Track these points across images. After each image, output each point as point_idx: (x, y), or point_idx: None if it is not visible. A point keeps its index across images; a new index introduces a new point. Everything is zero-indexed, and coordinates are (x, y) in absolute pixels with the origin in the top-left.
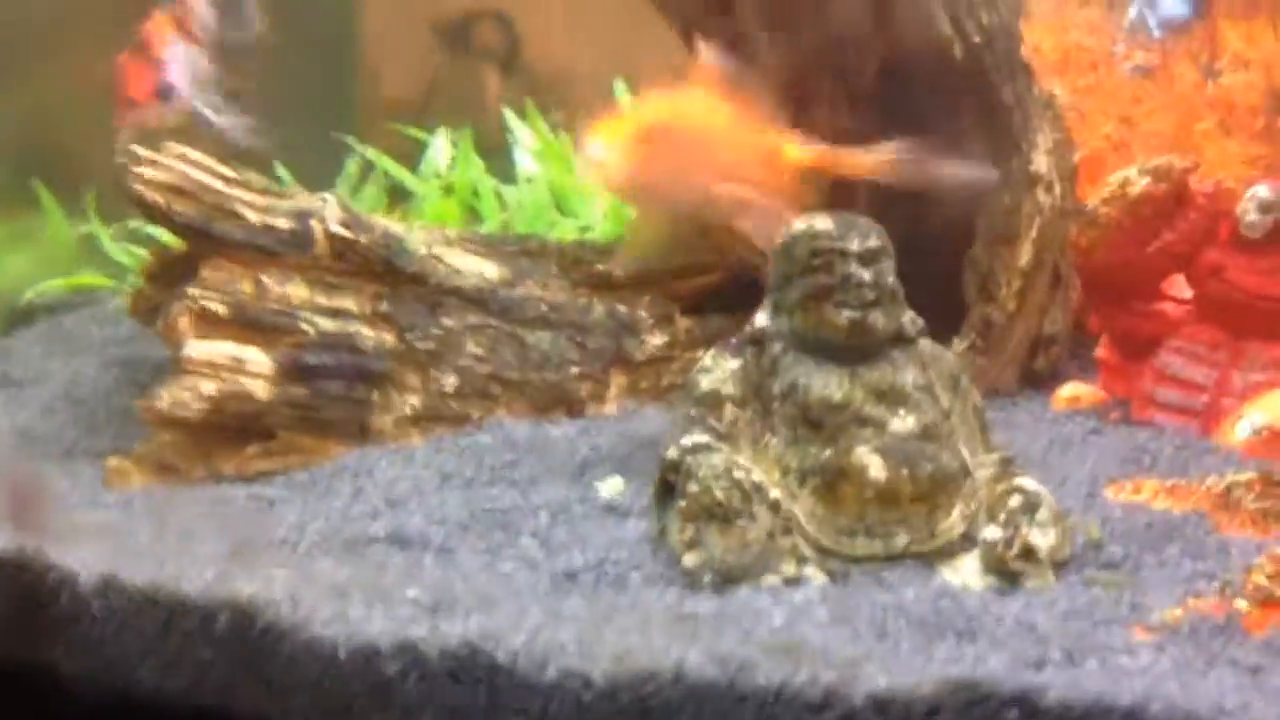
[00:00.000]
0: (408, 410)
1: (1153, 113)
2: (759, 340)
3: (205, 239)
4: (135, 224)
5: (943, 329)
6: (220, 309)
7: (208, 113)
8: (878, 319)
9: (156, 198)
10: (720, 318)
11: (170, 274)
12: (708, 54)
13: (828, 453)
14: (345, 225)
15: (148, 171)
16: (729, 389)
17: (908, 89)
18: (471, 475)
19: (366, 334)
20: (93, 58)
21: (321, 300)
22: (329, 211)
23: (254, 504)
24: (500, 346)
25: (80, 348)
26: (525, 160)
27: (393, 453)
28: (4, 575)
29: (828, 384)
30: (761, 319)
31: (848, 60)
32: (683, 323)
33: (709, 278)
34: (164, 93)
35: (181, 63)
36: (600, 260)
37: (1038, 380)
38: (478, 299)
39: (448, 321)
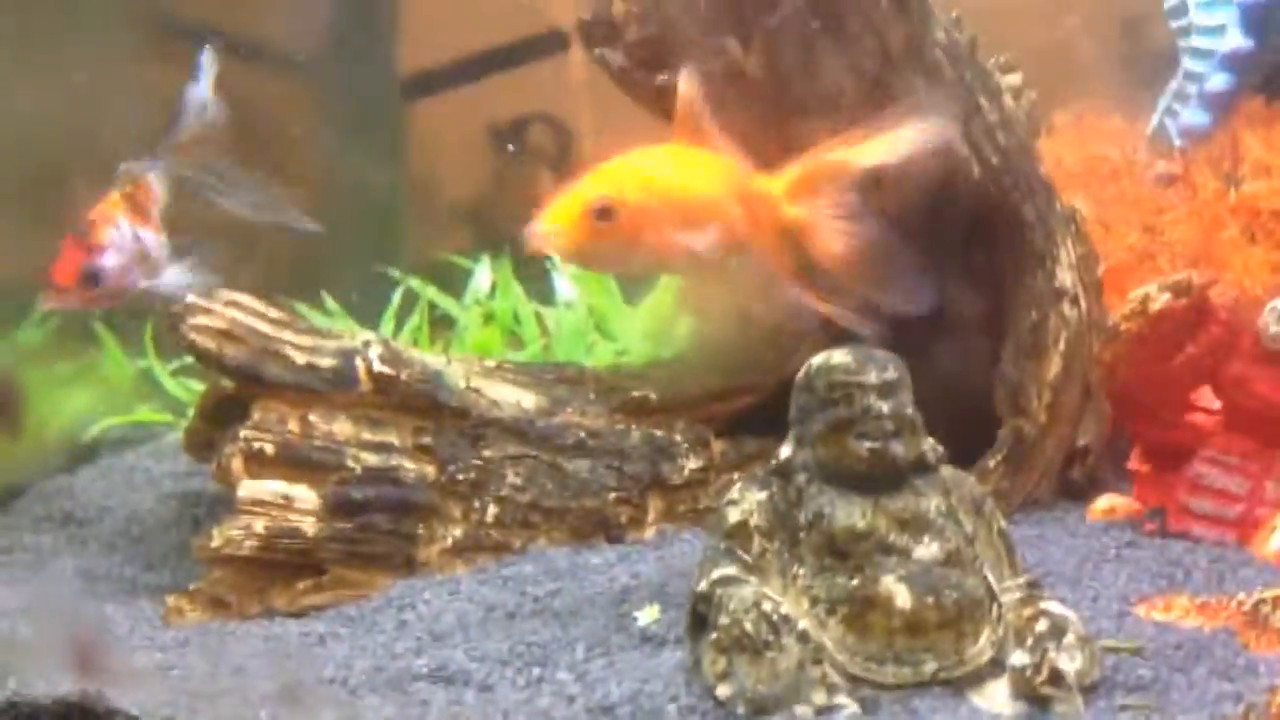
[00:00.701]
0: (450, 541)
1: (1177, 222)
2: (784, 472)
3: (255, 380)
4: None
5: (975, 446)
6: (269, 448)
7: (154, 283)
8: (898, 449)
9: (208, 344)
10: (754, 440)
11: (223, 411)
12: (687, 85)
13: (854, 582)
14: (387, 362)
15: (200, 319)
16: (756, 520)
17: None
18: (513, 608)
19: (409, 467)
20: None
21: (366, 435)
22: (372, 350)
23: (304, 640)
24: (539, 475)
25: (139, 484)
26: (563, 285)
27: (437, 584)
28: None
29: (851, 513)
30: (786, 450)
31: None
32: (717, 446)
33: (743, 401)
34: (89, 277)
35: (120, 248)
36: (636, 386)
37: (1075, 490)
38: (516, 429)
39: (488, 452)
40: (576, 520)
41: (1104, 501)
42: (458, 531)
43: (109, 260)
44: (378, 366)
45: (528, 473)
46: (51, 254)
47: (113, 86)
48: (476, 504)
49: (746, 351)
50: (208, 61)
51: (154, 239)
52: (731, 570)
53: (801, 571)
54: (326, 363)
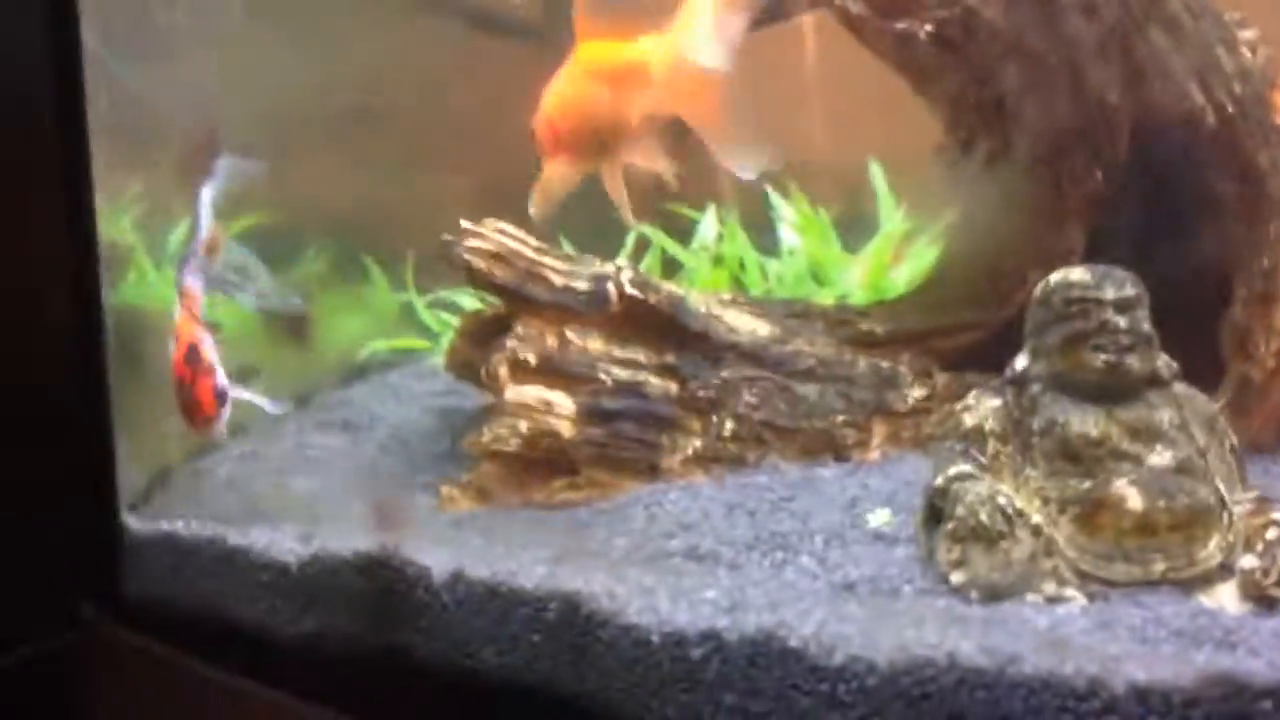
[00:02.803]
0: (691, 451)
1: None
2: (1019, 382)
3: (518, 299)
4: (445, 294)
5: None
6: (531, 359)
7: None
8: (1133, 362)
9: (480, 264)
10: (976, 374)
11: (481, 334)
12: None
13: (1086, 484)
14: (637, 286)
15: (473, 242)
16: (991, 425)
17: (1161, 156)
18: (753, 507)
19: (655, 382)
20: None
21: (616, 352)
22: (624, 275)
23: (567, 525)
24: (772, 397)
25: (405, 399)
26: (787, 234)
27: (680, 488)
28: (370, 571)
29: (1085, 421)
30: (1021, 362)
31: (1099, 129)
32: (940, 378)
33: (968, 336)
34: (222, 398)
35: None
36: (863, 321)
37: None
38: (752, 353)
39: (725, 373)
40: (806, 439)
41: None
42: (698, 443)
43: (222, 377)
44: (629, 290)
45: (762, 394)
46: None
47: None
48: (714, 419)
49: (970, 290)
50: (223, 168)
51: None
52: (967, 468)
53: (1033, 474)
54: (582, 285)
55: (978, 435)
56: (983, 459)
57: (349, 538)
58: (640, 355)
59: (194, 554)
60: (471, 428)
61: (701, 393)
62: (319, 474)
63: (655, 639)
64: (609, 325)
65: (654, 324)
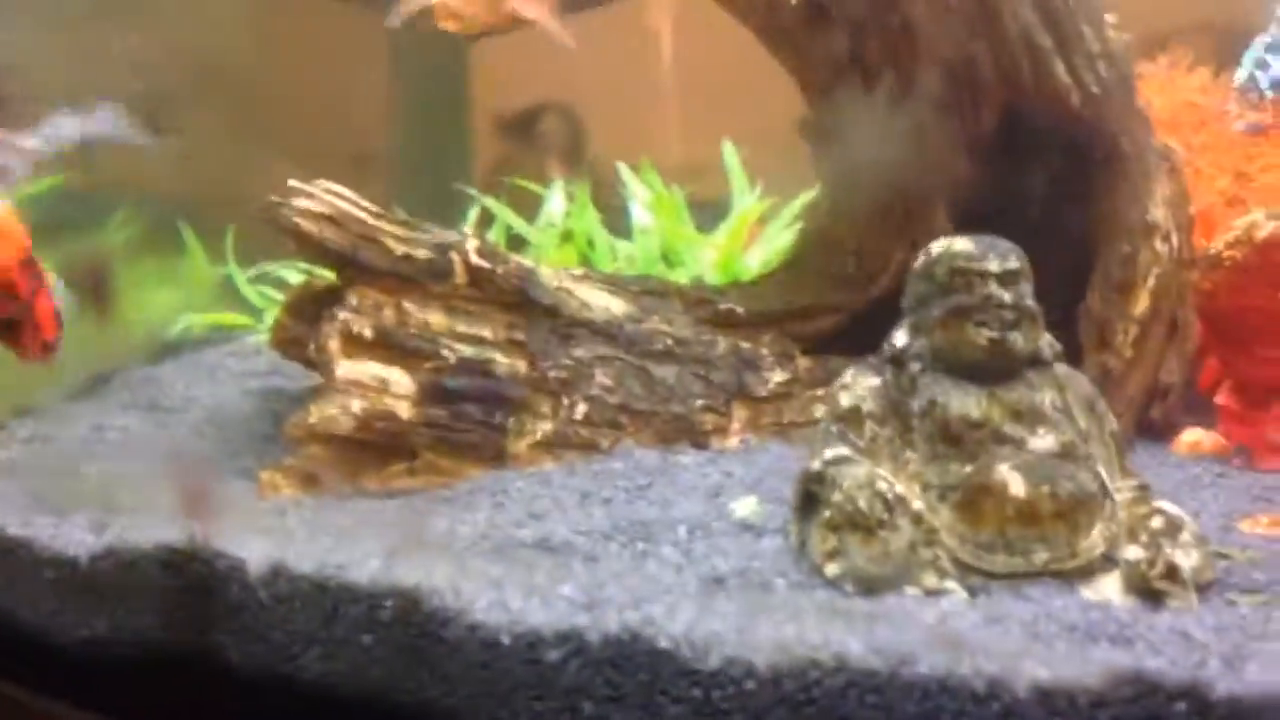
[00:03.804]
0: (540, 435)
1: (1268, 169)
2: (898, 360)
3: (352, 267)
4: (269, 268)
5: None
6: (366, 332)
7: None
8: (1017, 340)
9: (310, 227)
10: (839, 359)
11: (311, 308)
12: None
13: (968, 469)
14: (484, 256)
15: (302, 202)
16: (869, 406)
17: (1028, 136)
18: (609, 495)
19: (502, 360)
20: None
21: (460, 327)
22: (469, 244)
23: (402, 513)
24: (628, 378)
25: (222, 378)
26: (640, 212)
27: (528, 475)
28: (175, 565)
29: (966, 402)
30: (901, 339)
31: (966, 105)
32: (802, 362)
33: (830, 319)
34: (59, 320)
35: None
36: (721, 300)
37: (1154, 429)
38: (606, 332)
39: (578, 351)
40: (663, 424)
41: (1190, 435)
42: (548, 426)
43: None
44: (475, 259)
45: (617, 375)
46: None
47: None
48: (566, 401)
49: (833, 271)
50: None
51: None
52: (845, 451)
53: (913, 458)
54: (422, 254)
55: (854, 416)
56: (860, 442)
57: (150, 528)
58: (486, 331)
59: None
60: (298, 408)
61: (553, 373)
62: (118, 458)
63: (505, 639)
64: (453, 298)
65: (501, 298)
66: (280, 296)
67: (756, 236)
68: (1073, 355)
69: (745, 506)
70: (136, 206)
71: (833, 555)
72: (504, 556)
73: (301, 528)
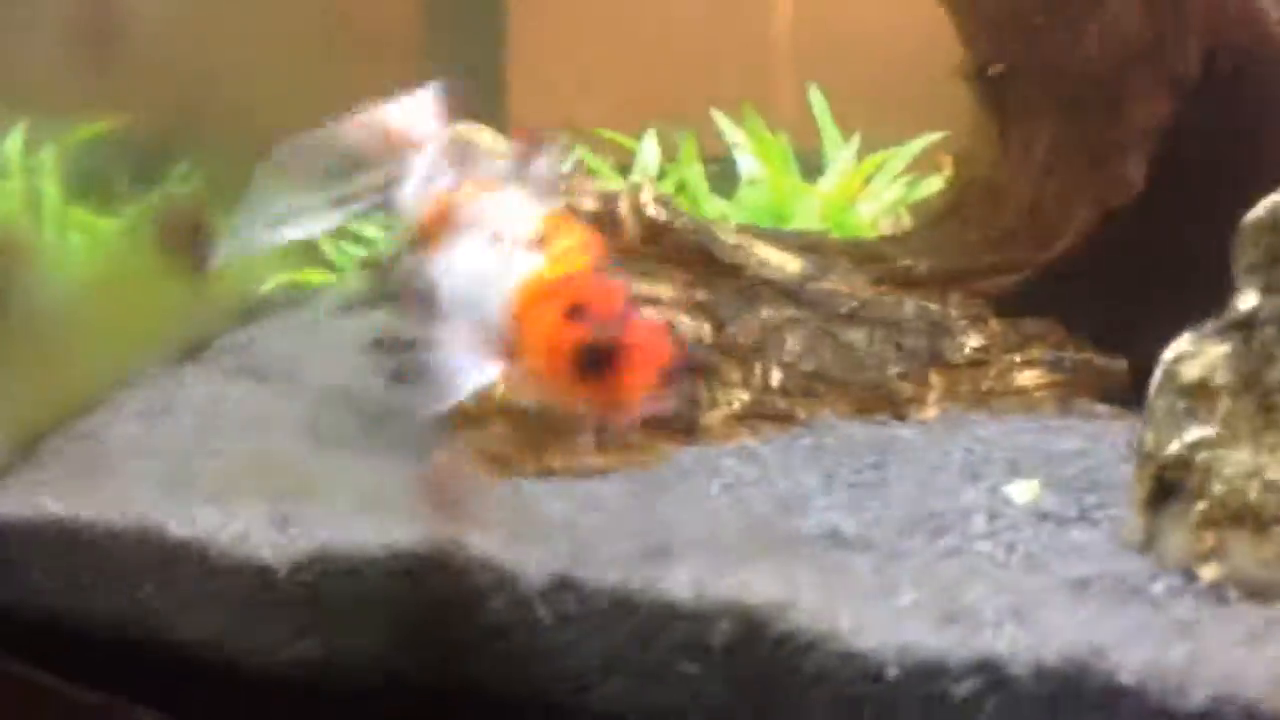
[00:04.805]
0: (736, 406)
1: None
2: (1248, 325)
3: None
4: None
5: None
6: None
7: None
8: None
9: None
10: (1035, 321)
11: None
12: None
13: None
14: (661, 206)
15: None
16: (1221, 378)
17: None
18: (851, 478)
19: (687, 323)
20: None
21: (642, 287)
22: (645, 194)
23: (636, 499)
24: (818, 343)
25: (325, 342)
26: (747, 161)
27: (732, 452)
28: (419, 576)
29: None
30: (1251, 300)
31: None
32: (995, 325)
33: (1011, 279)
34: None
35: None
36: (896, 255)
37: None
38: (788, 292)
39: (766, 313)
40: (861, 394)
41: None
42: (744, 396)
43: None
44: (650, 210)
45: (806, 339)
46: None
47: None
48: (759, 369)
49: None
50: None
51: None
52: (1210, 432)
53: (1278, 440)
54: (589, 204)
55: (1204, 390)
56: (1213, 420)
57: (352, 525)
58: (665, 291)
59: (111, 549)
60: (418, 379)
61: (741, 338)
62: (250, 434)
63: (893, 671)
64: (621, 254)
65: (678, 254)
66: (359, 252)
67: (862, 188)
68: None
69: (1027, 491)
70: (195, 155)
71: (1209, 555)
72: (799, 556)
73: (515, 515)
